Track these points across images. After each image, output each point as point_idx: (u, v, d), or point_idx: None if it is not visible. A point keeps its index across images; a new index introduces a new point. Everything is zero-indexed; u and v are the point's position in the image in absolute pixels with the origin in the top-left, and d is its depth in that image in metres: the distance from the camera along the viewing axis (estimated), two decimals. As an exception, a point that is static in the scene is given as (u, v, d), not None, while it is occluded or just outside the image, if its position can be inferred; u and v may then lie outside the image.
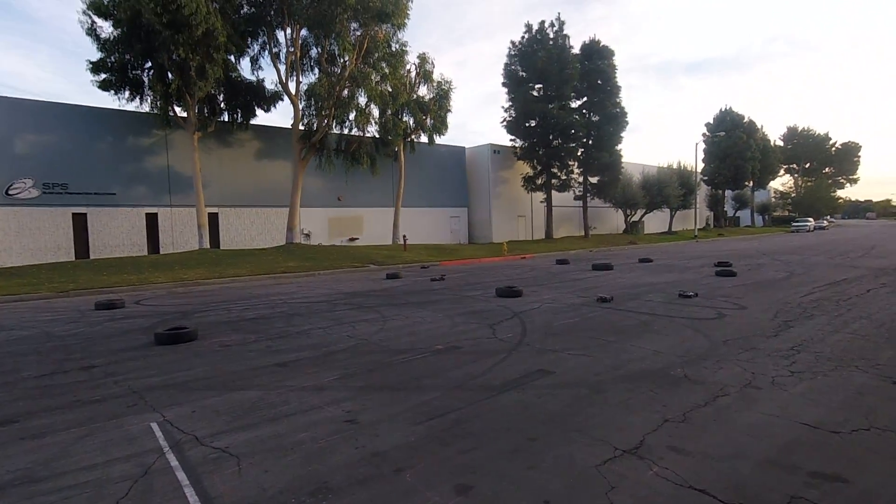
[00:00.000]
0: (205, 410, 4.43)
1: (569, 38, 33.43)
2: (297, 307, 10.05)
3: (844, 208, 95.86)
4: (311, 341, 6.93)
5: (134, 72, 20.11)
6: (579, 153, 35.22)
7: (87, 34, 19.17)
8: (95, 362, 6.23)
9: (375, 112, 25.08)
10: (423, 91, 28.75)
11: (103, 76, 19.63)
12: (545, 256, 24.11)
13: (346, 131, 24.64)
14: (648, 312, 8.57)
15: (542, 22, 33.49)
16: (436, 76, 28.60)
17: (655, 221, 46.73)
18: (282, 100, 24.06)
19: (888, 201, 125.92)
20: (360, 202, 29.58)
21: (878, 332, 6.89)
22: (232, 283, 14.59)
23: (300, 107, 23.01)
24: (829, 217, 74.85)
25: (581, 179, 36.30)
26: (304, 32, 22.87)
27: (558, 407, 4.28)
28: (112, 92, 20.00)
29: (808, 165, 77.27)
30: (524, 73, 33.72)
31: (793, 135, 77.43)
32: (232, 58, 21.94)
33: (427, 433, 3.77)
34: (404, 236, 26.21)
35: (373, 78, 23.59)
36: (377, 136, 26.07)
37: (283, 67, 22.81)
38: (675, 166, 46.55)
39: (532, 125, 33.74)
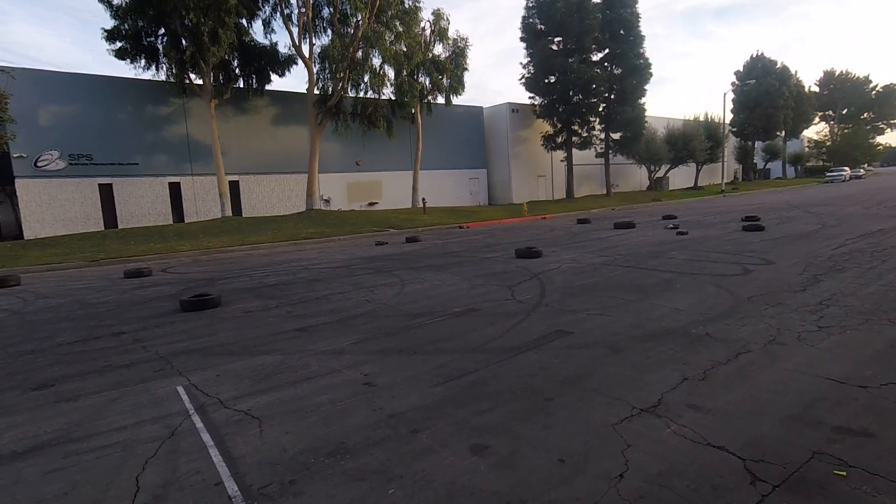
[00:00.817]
0: (228, 374, 4.56)
1: (590, -17, 31.66)
2: (317, 273, 10.19)
3: (884, 155, 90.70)
4: (330, 306, 7.04)
5: (148, 39, 19.93)
6: (601, 109, 33.93)
7: (100, 1, 19.01)
8: (125, 329, 6.48)
9: (390, 73, 24.56)
10: (438, 50, 27.93)
11: (118, 45, 19.56)
12: (566, 216, 23.76)
13: (361, 94, 24.25)
14: (671, 270, 8.40)
15: (561, -32, 31.67)
16: (451, 33, 27.72)
17: (681, 177, 45.30)
18: (296, 63, 23.71)
19: None
20: (379, 166, 29.41)
21: (914, 285, 6.62)
22: (254, 251, 14.86)
23: (314, 70, 22.63)
24: (866, 165, 71.18)
25: (602, 136, 35.17)
26: (313, -10, 22.24)
27: (576, 367, 4.26)
28: (128, 61, 19.95)
29: (845, 112, 72.87)
30: (543, 27, 32.27)
31: (829, 79, 72.80)
32: (244, 22, 21.55)
33: (444, 395, 3.82)
34: (423, 199, 26.08)
35: (386, 37, 22.94)
36: (393, 98, 25.60)
37: (295, 30, 22.34)
38: (701, 118, 44.68)
39: (551, 81, 32.55)
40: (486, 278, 8.55)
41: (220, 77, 22.04)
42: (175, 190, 22.85)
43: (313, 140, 22.85)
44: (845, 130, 71.30)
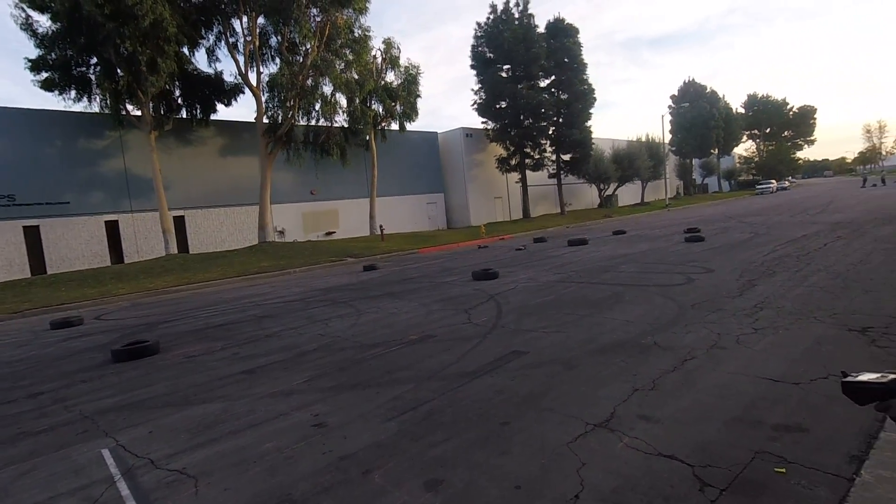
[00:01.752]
0: (163, 430, 4.19)
1: (533, 17, 33.32)
2: (269, 308, 9.86)
3: (804, 168, 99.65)
4: (281, 343, 6.76)
5: (79, 69, 18.93)
6: (551, 132, 35.28)
7: (23, 29, 17.91)
8: (44, 388, 5.83)
9: (342, 101, 24.66)
10: (390, 77, 28.36)
11: (45, 75, 18.47)
12: (523, 236, 24.21)
13: (313, 122, 24.14)
14: (621, 283, 8.66)
15: (507, 2, 33.24)
16: (403, 61, 28.23)
17: (628, 194, 47.35)
18: (243, 92, 23.42)
19: (843, 159, 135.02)
20: (335, 195, 29.15)
21: (834, 283, 7.11)
22: (202, 289, 14.25)
23: (263, 99, 22.39)
24: (790, 178, 77.03)
25: (554, 158, 36.43)
26: (261, 20, 22.18)
27: (531, 387, 4.27)
28: (56, 92, 18.80)
29: (768, 130, 79.22)
30: (492, 55, 33.48)
31: (753, 102, 79.07)
32: (186, 50, 21.12)
33: (398, 429, 3.71)
34: (381, 226, 25.98)
35: (337, 65, 23.09)
36: (346, 125, 25.65)
37: (241, 58, 22.12)
38: (643, 139, 47.14)
39: (503, 106, 33.62)
40: (444, 303, 8.53)
41: (161, 107, 21.37)
42: (112, 229, 21.66)
43: (264, 170, 22.45)
44: (770, 147, 77.46)
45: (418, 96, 28.84)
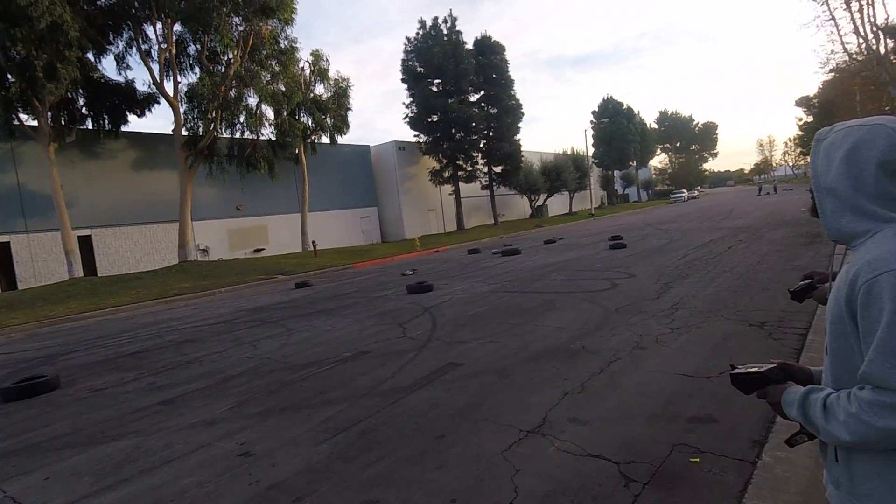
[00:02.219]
0: (62, 475, 3.72)
1: (461, 33, 34.14)
2: (190, 332, 9.21)
3: (710, 179, 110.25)
4: (203, 370, 6.31)
5: (-40, 73, 16.95)
6: (482, 145, 36.19)
7: None
8: None
9: (269, 113, 23.85)
10: (319, 90, 27.88)
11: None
12: (458, 247, 24.49)
13: (237, 135, 23.10)
14: (552, 291, 8.98)
15: (436, 18, 33.95)
16: (332, 74, 27.86)
17: (557, 204, 49.42)
18: (158, 103, 21.95)
19: (742, 170, 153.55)
20: (263, 210, 27.99)
21: (738, 283, 7.82)
22: (113, 314, 13.06)
23: (181, 110, 21.09)
24: (699, 187, 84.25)
25: (486, 170, 37.33)
26: (178, 27, 21.01)
27: (467, 399, 4.29)
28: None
29: (678, 144, 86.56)
30: (422, 69, 33.91)
31: (664, 118, 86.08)
32: (92, 56, 19.48)
33: (331, 452, 3.57)
34: (314, 242, 25.23)
35: (263, 77, 22.32)
36: (274, 138, 24.80)
37: (156, 66, 20.77)
38: (569, 152, 49.56)
39: (434, 120, 34.07)
40: (378, 318, 8.41)
41: (62, 117, 19.50)
42: (3, 251, 19.35)
43: (184, 185, 21.10)
44: (680, 160, 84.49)
45: (349, 109, 28.57)
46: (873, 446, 1.02)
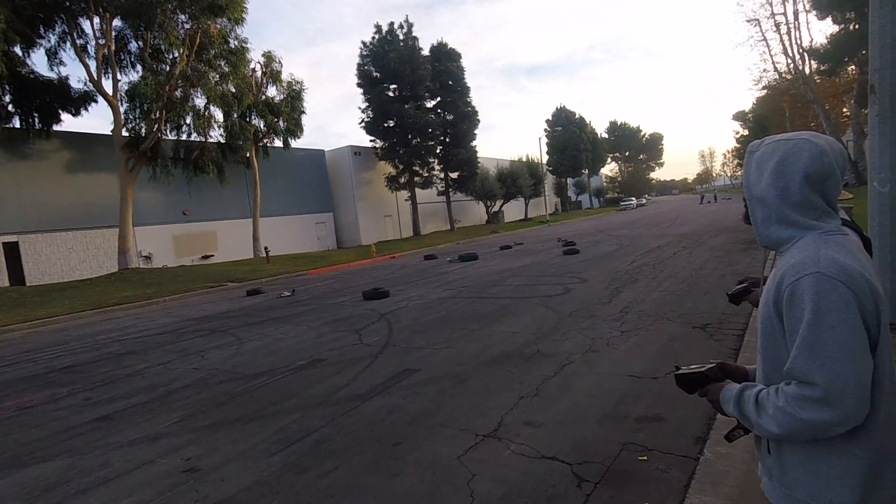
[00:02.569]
0: None
1: (418, 39, 34.30)
2: (131, 344, 8.70)
3: (656, 187, 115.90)
4: (145, 383, 5.97)
5: None
6: (438, 151, 36.40)
7: None
8: None
9: (218, 115, 23.02)
10: (272, 92, 27.24)
11: None
12: (414, 253, 24.43)
13: (184, 137, 22.14)
14: (508, 296, 9.11)
15: (392, 23, 33.92)
16: (285, 76, 27.29)
17: (513, 210, 50.34)
18: (95, 101, 20.75)
19: (686, 179, 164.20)
20: (212, 215, 26.94)
21: (682, 287, 8.21)
22: (43, 327, 12.15)
23: (122, 109, 19.99)
24: (646, 195, 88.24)
25: (442, 176, 37.53)
26: (118, 23, 19.94)
27: (424, 405, 4.28)
28: None
29: (627, 153, 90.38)
30: (378, 74, 33.75)
31: (614, 128, 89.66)
32: (19, 50, 18.19)
33: (284, 463, 3.46)
34: (266, 248, 24.49)
35: (210, 77, 21.52)
36: (223, 141, 23.95)
37: (93, 63, 19.61)
38: (524, 159, 50.61)
39: (390, 125, 33.97)
40: (333, 325, 8.25)
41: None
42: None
43: (125, 188, 19.97)
44: (629, 168, 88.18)
45: (303, 112, 28.02)
46: (798, 437, 1.10)
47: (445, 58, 36.32)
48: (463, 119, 36.89)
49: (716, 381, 1.29)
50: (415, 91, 33.81)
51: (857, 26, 17.26)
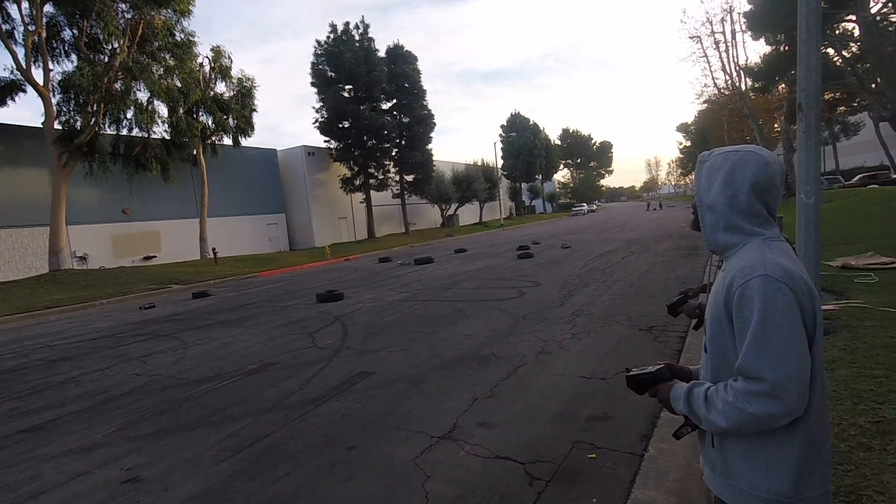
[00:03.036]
0: None
1: (374, 41, 34.01)
2: (64, 350, 8.14)
3: (606, 194, 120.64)
4: (81, 390, 5.60)
5: None
6: (394, 153, 36.23)
7: None
8: None
9: (163, 110, 21.92)
10: (221, 88, 26.26)
11: None
12: (369, 256, 24.20)
13: (125, 132, 20.92)
14: (463, 299, 9.20)
15: (347, 23, 33.44)
16: (235, 72, 26.38)
17: (468, 214, 50.79)
18: (23, 91, 19.30)
19: (633, 187, 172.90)
20: (156, 214, 25.61)
21: (630, 291, 8.58)
22: (-35, 331, 11.16)
23: (54, 101, 18.67)
24: (597, 201, 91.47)
25: (397, 178, 37.38)
26: (49, 8, 18.64)
27: (378, 408, 4.25)
28: None
29: (579, 160, 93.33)
30: (333, 74, 33.21)
31: (567, 135, 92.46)
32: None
33: (233, 470, 3.36)
34: (214, 249, 23.52)
35: (154, 70, 20.49)
36: (168, 137, 22.85)
37: (21, 50, 18.23)
38: (480, 163, 51.22)
39: (346, 126, 33.49)
40: (286, 328, 8.05)
41: None
42: None
43: (57, 185, 18.63)
44: (581, 175, 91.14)
45: (254, 110, 27.17)
46: (744, 430, 1.17)
47: (402, 60, 36.28)
48: (419, 122, 36.95)
49: (664, 381, 1.35)
50: (370, 92, 33.54)
51: (787, 48, 18.66)
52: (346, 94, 33.63)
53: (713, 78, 38.22)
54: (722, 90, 34.74)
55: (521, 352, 5.52)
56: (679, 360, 4.69)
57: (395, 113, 36.64)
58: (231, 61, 26.14)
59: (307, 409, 4.36)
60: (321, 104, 33.45)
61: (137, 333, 8.90)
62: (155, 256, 25.17)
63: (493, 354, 5.52)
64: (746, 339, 1.13)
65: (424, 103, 37.41)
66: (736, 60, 32.57)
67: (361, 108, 32.92)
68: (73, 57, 19.55)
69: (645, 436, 3.36)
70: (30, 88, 18.74)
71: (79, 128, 18.99)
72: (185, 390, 5.23)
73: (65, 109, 18.86)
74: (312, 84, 33.66)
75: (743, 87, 31.39)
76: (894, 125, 16.14)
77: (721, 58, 32.87)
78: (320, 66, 33.38)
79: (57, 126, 18.74)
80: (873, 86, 17.52)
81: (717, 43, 33.79)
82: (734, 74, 31.66)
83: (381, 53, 35.01)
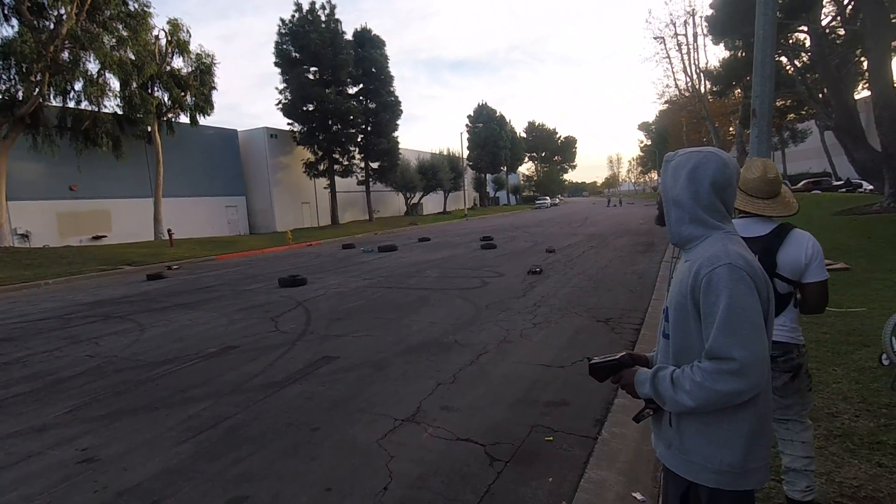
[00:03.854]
0: None
1: (340, 23, 33.16)
2: (7, 330, 7.72)
3: (569, 188, 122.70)
4: (27, 371, 5.37)
5: None
6: (359, 139, 35.65)
7: None
8: None
9: (115, 83, 20.81)
10: (178, 63, 25.13)
11: None
12: (332, 242, 23.89)
13: (73, 104, 19.73)
14: (427, 287, 9.28)
15: (313, 2, 32.36)
16: (194, 47, 25.27)
17: (432, 203, 50.75)
18: (-43, 57, 17.87)
19: (595, 182, 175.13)
20: (106, 192, 24.32)
21: (589, 284, 8.89)
22: None
23: (-9, 69, 17.42)
24: (560, 196, 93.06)
25: (363, 165, 36.87)
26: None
27: (342, 391, 4.30)
28: None
29: (543, 154, 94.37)
30: (297, 55, 32.22)
31: (532, 128, 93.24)
32: None
33: (194, 451, 3.34)
34: (169, 231, 22.62)
35: (105, 41, 19.37)
36: (120, 112, 21.71)
37: (-47, 12, 16.87)
38: (445, 153, 51.19)
39: (310, 109, 32.65)
40: (247, 312, 7.92)
41: None
42: None
43: (-3, 157, 17.46)
44: (545, 169, 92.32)
45: (213, 88, 26.18)
46: (709, 407, 1.26)
47: (369, 44, 35.64)
48: (385, 108, 36.47)
49: (627, 368, 1.45)
50: (336, 76, 32.79)
51: (743, 54, 19.50)
52: (310, 77, 32.75)
53: (675, 79, 39.63)
54: (682, 92, 35.98)
55: (483, 340, 5.67)
56: (634, 350, 4.95)
57: (361, 98, 36.01)
58: (190, 35, 25.10)
59: (270, 391, 4.36)
60: (285, 85, 32.47)
61: (88, 315, 8.54)
62: (105, 236, 23.97)
63: (457, 342, 5.64)
64: (715, 322, 1.22)
65: (391, 89, 36.93)
66: (697, 63, 33.78)
67: (327, 91, 32.18)
68: (14, 22, 18.21)
69: (599, 420, 3.55)
70: (-35, 52, 17.38)
71: (20, 98, 17.78)
72: (142, 372, 5.10)
73: (4, 77, 17.61)
74: (276, 64, 32.59)
75: (702, 90, 32.60)
76: (837, 135, 17.19)
77: (683, 60, 34.11)
78: (284, 46, 32.32)
79: (-3, 95, 17.49)
80: (820, 95, 18.59)
81: (679, 45, 34.95)
82: (694, 77, 32.87)
83: (349, 36, 34.26)
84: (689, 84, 33.74)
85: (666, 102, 41.07)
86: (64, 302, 10.24)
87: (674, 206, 1.40)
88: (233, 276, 12.84)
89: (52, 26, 18.14)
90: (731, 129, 37.30)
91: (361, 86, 35.95)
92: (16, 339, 6.96)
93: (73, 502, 2.84)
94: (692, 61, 33.62)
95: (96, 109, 20.62)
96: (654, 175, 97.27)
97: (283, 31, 32.17)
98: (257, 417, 3.84)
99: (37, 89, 17.74)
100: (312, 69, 32.83)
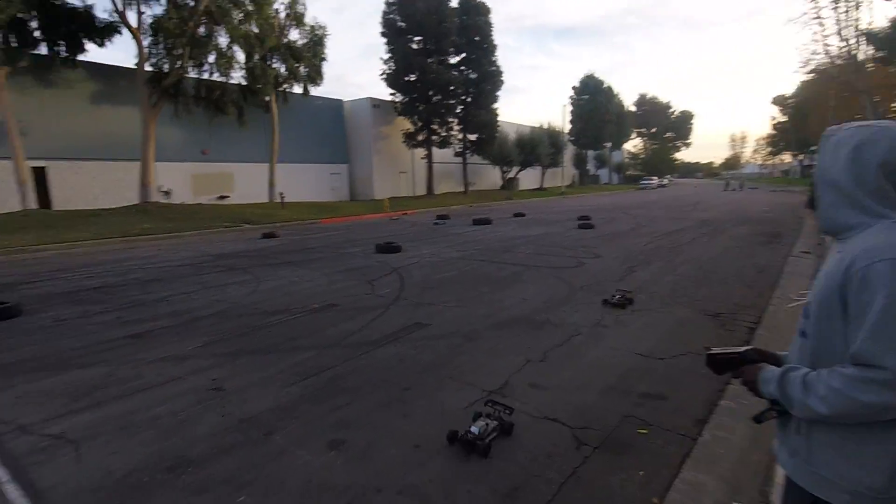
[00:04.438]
0: (33, 395, 3.83)
1: (448, -11, 32.89)
2: (155, 272, 9.02)
3: (680, 169, 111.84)
4: (171, 308, 6.30)
5: None
6: (458, 110, 35.61)
7: None
8: None
9: (241, 56, 22.65)
10: (294, 35, 26.58)
11: None
12: (426, 212, 24.47)
13: (206, 76, 21.91)
14: (520, 263, 9.20)
15: (422, -30, 32.39)
16: (308, 20, 26.56)
17: (529, 178, 49.63)
18: (119, 33, 20.45)
19: (711, 163, 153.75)
20: (231, 157, 26.98)
21: (697, 274, 8.20)
22: (71, 250, 12.56)
23: (145, 44, 19.78)
24: (669, 176, 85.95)
25: (461, 136, 36.93)
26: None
27: (433, 357, 4.45)
28: None
29: (653, 130, 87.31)
30: (403, 24, 32.69)
31: (643, 102, 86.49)
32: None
33: (300, 394, 3.70)
34: (281, 194, 24.64)
35: (234, 15, 21.08)
36: (244, 83, 23.72)
37: (118, -7, 19.28)
38: (545, 126, 49.48)
39: (412, 80, 33.16)
40: (346, 273, 8.45)
41: (11, 39, 17.93)
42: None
43: (147, 123, 20.01)
44: (654, 146, 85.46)
45: (324, 59, 27.43)
46: (847, 419, 1.12)
47: (474, 11, 35.00)
48: (486, 78, 35.88)
49: (751, 363, 1.33)
50: (440, 45, 32.78)
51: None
52: (414, 46, 33.12)
53: (825, 44, 33.84)
54: (834, 59, 30.72)
55: (576, 321, 5.51)
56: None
57: (462, 68, 35.74)
58: (305, 8, 26.39)
59: (366, 349, 4.64)
60: (390, 55, 33.21)
61: (215, 265, 9.67)
62: (228, 196, 26.71)
63: (548, 321, 5.55)
64: (866, 324, 1.07)
65: (494, 59, 36.16)
66: (857, 23, 28.31)
67: (429, 60, 32.38)
68: (163, 0, 20.42)
69: (700, 420, 3.28)
70: (125, 31, 19.91)
71: (166, 70, 20.10)
72: (259, 319, 5.71)
73: (154, 52, 19.95)
74: (382, 34, 33.35)
75: (860, 57, 27.40)
76: None
77: (838, 20, 28.75)
78: (391, 16, 32.92)
79: (147, 68, 19.92)
80: None
81: (836, 2, 29.53)
82: (851, 41, 27.75)
83: (454, 4, 33.95)
84: (845, 49, 28.60)
85: (811, 72, 35.37)
86: (196, 252, 11.66)
87: (830, 189, 1.22)
88: (334, 240, 13.71)
89: (192, 4, 20.12)
90: (894, 105, 31.33)
91: (464, 55, 35.63)
92: (162, 281, 8.13)
93: (205, 422, 3.32)
94: (850, 20, 28.27)
95: (225, 80, 22.70)
96: (786, 157, 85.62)
97: (391, 2, 32.75)
98: (354, 371, 4.12)
99: (179, 62, 19.92)
100: (416, 38, 33.12)
